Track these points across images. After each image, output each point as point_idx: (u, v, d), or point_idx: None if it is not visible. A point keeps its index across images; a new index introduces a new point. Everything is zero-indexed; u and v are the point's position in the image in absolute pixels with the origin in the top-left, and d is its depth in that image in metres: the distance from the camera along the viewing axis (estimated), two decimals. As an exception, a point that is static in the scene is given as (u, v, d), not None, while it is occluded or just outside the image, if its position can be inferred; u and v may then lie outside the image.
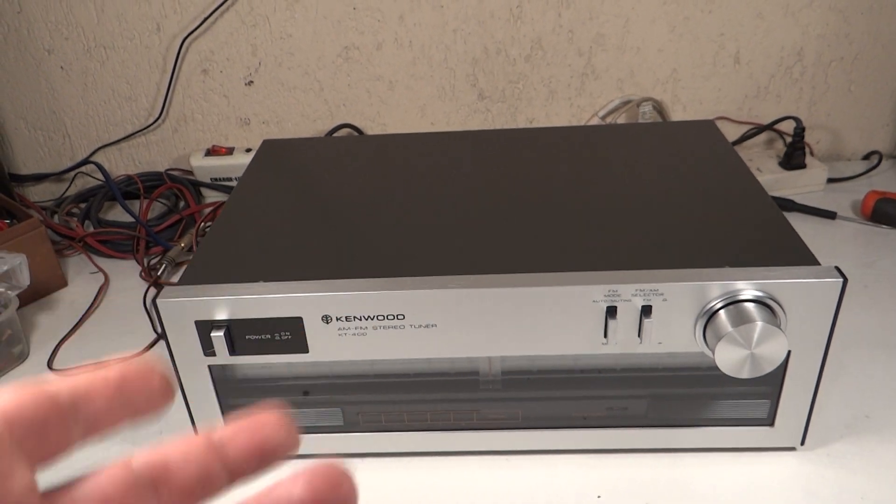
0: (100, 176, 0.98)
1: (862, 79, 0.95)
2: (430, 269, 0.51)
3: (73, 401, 0.18)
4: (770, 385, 0.52)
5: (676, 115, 0.98)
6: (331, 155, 0.73)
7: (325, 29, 0.94)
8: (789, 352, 0.50)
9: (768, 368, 0.48)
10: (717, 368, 0.48)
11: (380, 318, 0.50)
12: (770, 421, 0.54)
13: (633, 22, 0.92)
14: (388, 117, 1.00)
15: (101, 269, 0.85)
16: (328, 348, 0.51)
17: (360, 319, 0.50)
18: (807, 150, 0.91)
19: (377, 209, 0.61)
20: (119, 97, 0.99)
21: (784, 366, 0.51)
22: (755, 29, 0.92)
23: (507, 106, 0.98)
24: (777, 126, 0.95)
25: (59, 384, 0.18)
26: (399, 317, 0.50)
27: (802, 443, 0.55)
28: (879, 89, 0.95)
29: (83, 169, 1.02)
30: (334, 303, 0.49)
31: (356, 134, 1.00)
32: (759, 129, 0.96)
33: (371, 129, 1.01)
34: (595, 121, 0.97)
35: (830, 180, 0.92)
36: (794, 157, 0.90)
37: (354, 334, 0.50)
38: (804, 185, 0.91)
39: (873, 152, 0.98)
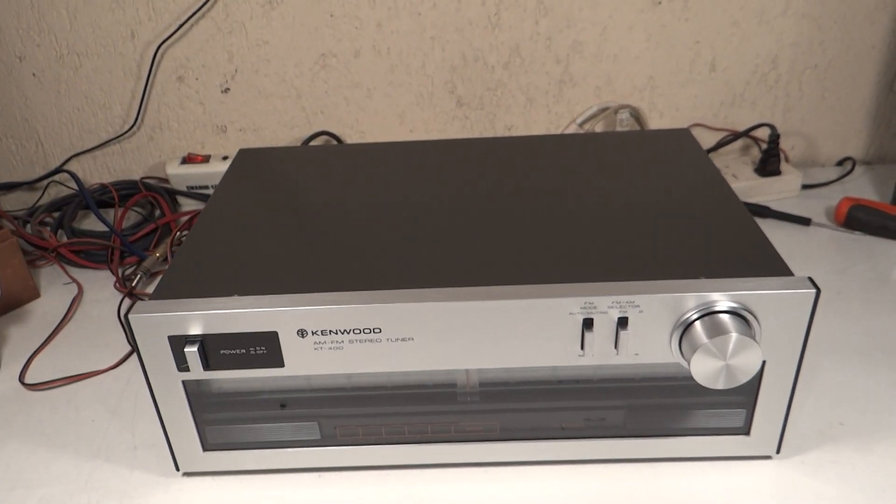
0: (73, 184, 0.97)
1: (835, 86, 0.96)
2: (407, 282, 0.51)
3: None
4: (745, 395, 0.53)
5: (653, 121, 0.99)
6: (308, 165, 0.72)
7: (303, 36, 0.93)
8: (764, 362, 0.50)
9: (743, 379, 0.48)
10: (693, 379, 0.48)
11: (356, 331, 0.49)
12: (746, 430, 0.54)
13: (611, 29, 0.92)
14: (366, 125, 0.99)
15: (74, 280, 0.83)
16: (304, 362, 0.51)
17: (337, 333, 0.49)
18: (782, 156, 0.92)
19: (354, 221, 0.61)
20: (93, 104, 0.98)
21: (759, 376, 0.51)
22: (730, 37, 0.93)
23: (486, 113, 0.98)
24: (752, 133, 0.96)
25: None
26: (376, 330, 0.49)
27: (778, 451, 0.55)
28: (852, 96, 0.97)
29: (56, 177, 1.01)
30: (310, 317, 0.49)
31: (334, 142, 1.00)
32: (735, 135, 0.96)
33: (349, 136, 1.00)
34: (573, 128, 0.97)
35: (805, 186, 0.93)
36: (769, 163, 0.91)
37: (331, 348, 0.50)
38: (779, 191, 0.92)
39: (847, 158, 0.99)
